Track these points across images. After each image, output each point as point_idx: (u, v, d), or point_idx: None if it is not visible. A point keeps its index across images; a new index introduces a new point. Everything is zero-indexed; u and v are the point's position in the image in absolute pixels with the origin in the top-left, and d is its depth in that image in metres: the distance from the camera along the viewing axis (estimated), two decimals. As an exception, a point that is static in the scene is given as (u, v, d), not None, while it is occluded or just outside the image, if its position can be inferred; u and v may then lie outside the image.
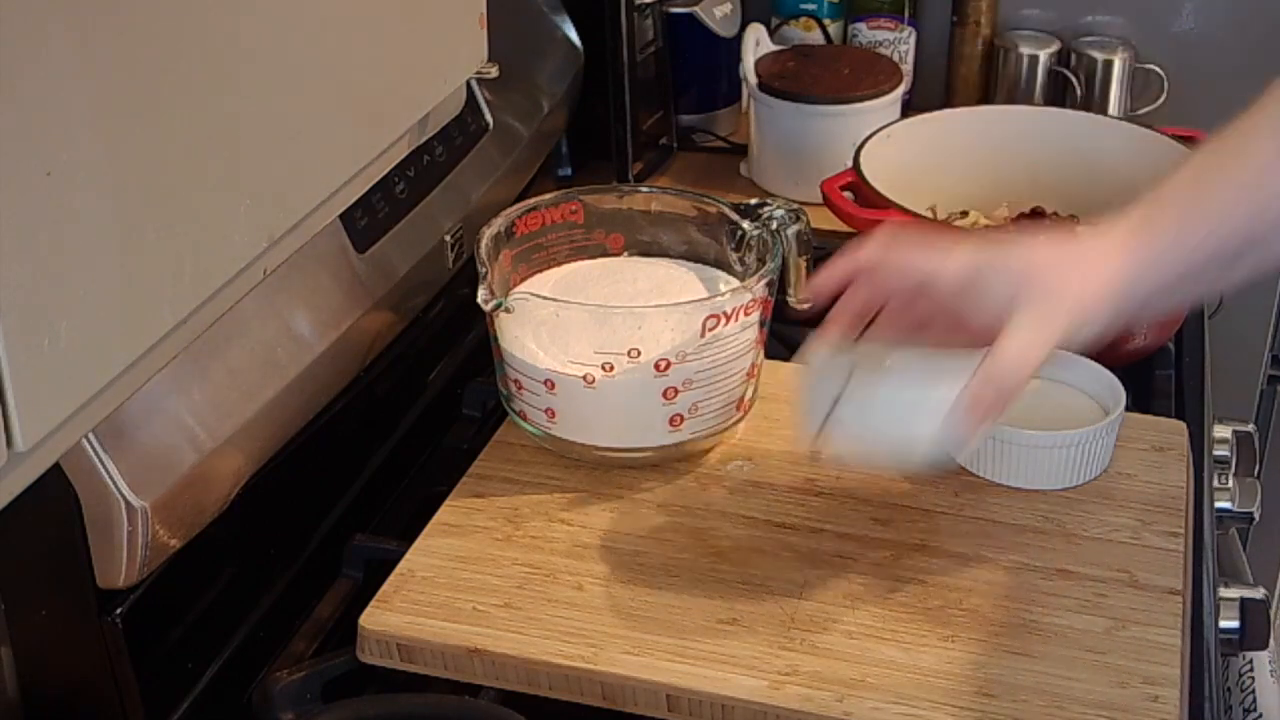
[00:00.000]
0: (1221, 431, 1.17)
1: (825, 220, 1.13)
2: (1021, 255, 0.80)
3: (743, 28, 1.49)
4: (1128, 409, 0.96)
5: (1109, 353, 1.12)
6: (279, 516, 0.94)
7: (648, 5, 1.42)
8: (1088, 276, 0.79)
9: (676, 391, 0.91)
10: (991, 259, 0.80)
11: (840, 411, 0.81)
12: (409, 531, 0.91)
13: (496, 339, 0.94)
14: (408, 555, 0.88)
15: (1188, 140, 1.18)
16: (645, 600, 0.84)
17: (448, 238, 1.08)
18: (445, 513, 0.91)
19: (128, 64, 0.59)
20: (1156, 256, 0.79)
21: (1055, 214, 1.23)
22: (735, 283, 0.99)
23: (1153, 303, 0.83)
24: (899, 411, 0.80)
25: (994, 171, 1.25)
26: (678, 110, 1.54)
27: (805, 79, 1.42)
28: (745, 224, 0.99)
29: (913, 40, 1.61)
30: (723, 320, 0.90)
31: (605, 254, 1.02)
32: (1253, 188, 0.78)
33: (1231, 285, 0.83)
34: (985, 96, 1.61)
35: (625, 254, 1.03)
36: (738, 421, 0.96)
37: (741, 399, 0.96)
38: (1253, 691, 1.17)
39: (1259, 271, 0.82)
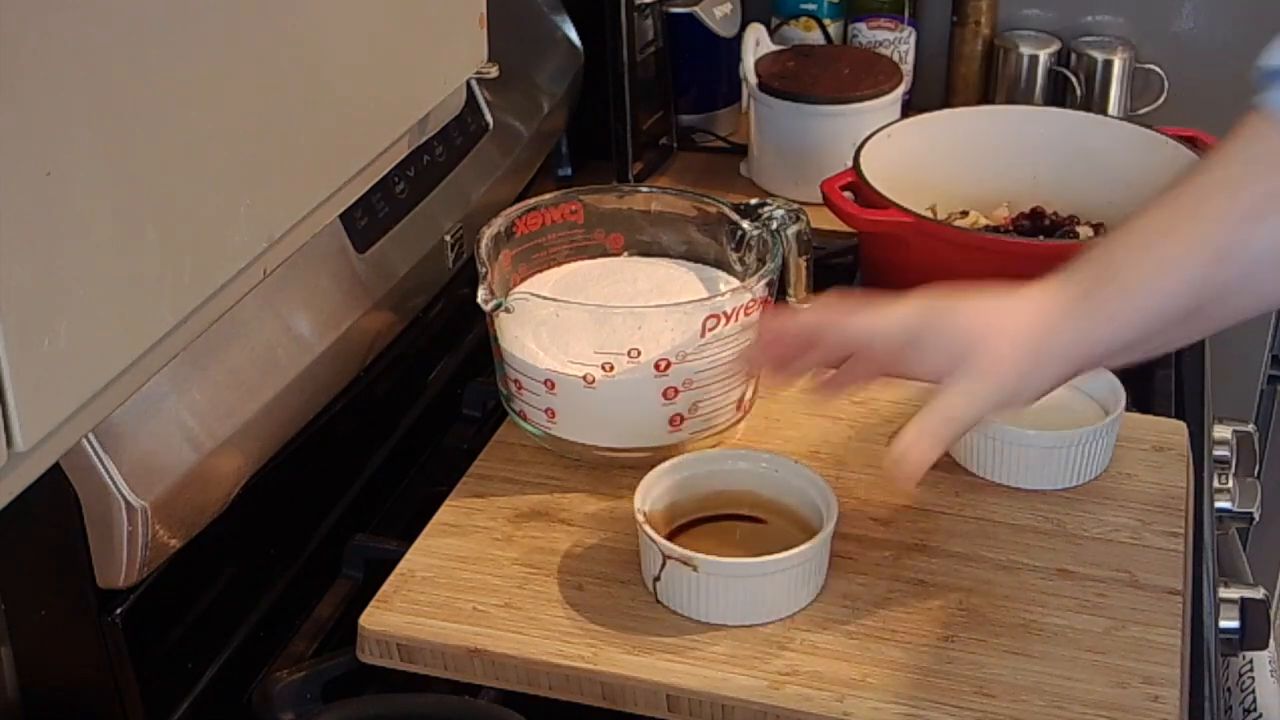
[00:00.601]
0: (1221, 431, 1.17)
1: (825, 220, 1.12)
2: (963, 318, 0.79)
3: (743, 28, 1.49)
4: (1127, 409, 0.96)
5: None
6: (279, 516, 0.94)
7: (648, 5, 1.42)
8: (1028, 351, 0.78)
9: (676, 391, 0.91)
10: (932, 320, 0.80)
11: None
12: (409, 531, 0.91)
13: (496, 339, 0.94)
14: (408, 555, 0.88)
15: (1188, 140, 1.18)
16: (645, 600, 0.84)
17: (448, 238, 1.08)
18: (445, 513, 0.91)
19: (128, 64, 0.59)
20: (1103, 326, 0.78)
21: (1055, 214, 1.23)
22: (735, 283, 0.99)
23: (1102, 364, 0.82)
24: None
25: (994, 171, 1.25)
26: (678, 110, 1.54)
27: (805, 79, 1.42)
28: (745, 224, 0.99)
29: (913, 40, 1.61)
30: (723, 320, 0.90)
31: (605, 254, 1.02)
32: (1205, 249, 0.76)
33: (1185, 342, 0.82)
34: (985, 96, 1.61)
35: (625, 254, 1.03)
36: (738, 422, 0.96)
37: (741, 399, 0.96)
38: (1253, 691, 1.17)
39: (1213, 328, 0.81)
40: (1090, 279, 0.79)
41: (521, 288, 0.97)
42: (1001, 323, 0.79)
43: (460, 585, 0.85)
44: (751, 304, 0.92)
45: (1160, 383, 1.16)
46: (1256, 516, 1.15)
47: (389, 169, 0.85)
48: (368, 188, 0.83)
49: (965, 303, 0.80)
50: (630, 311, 0.92)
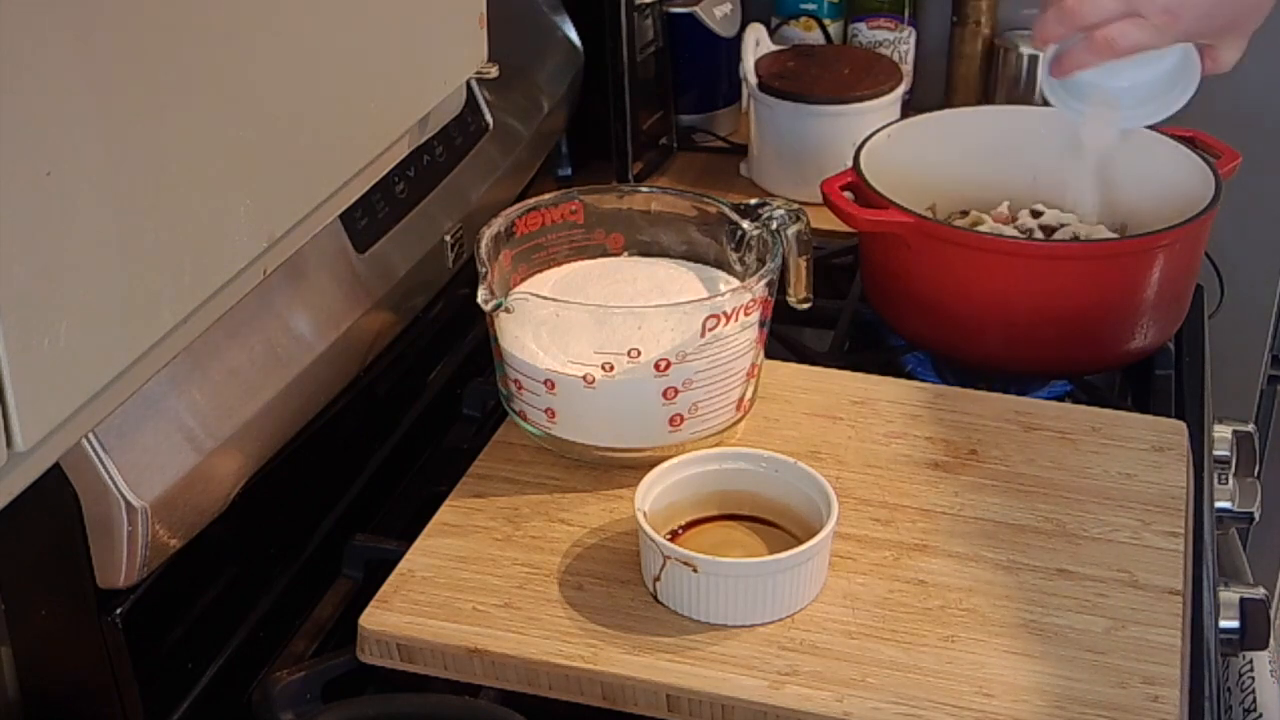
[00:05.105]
0: (1221, 431, 1.17)
1: (825, 220, 1.12)
2: None
3: (743, 28, 1.49)
4: (1127, 409, 0.95)
5: (1109, 352, 1.12)
6: (279, 516, 0.94)
7: (648, 5, 1.42)
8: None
9: (676, 391, 0.91)
10: None
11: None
12: (409, 531, 0.91)
13: (496, 339, 0.94)
14: (408, 555, 0.88)
15: (1188, 140, 1.18)
16: (645, 600, 0.84)
17: (448, 238, 1.08)
18: (445, 513, 0.91)
19: (128, 64, 0.59)
20: None
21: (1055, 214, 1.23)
22: (735, 283, 0.99)
23: None
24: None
25: (994, 171, 1.24)
26: (678, 110, 1.54)
27: (805, 79, 1.42)
28: (745, 224, 0.99)
29: (913, 40, 1.61)
30: (723, 320, 0.90)
31: (605, 254, 1.02)
32: None
33: None
34: (985, 96, 1.61)
35: (625, 254, 1.03)
36: (738, 422, 0.96)
37: (741, 399, 0.96)
38: (1253, 691, 1.17)
39: None
40: None
41: (521, 288, 0.97)
42: None
43: (460, 585, 0.85)
44: (751, 304, 0.92)
45: (1160, 383, 1.16)
46: (1256, 516, 1.15)
47: (389, 169, 0.85)
48: (368, 188, 0.83)
49: None
50: (630, 311, 0.92)
